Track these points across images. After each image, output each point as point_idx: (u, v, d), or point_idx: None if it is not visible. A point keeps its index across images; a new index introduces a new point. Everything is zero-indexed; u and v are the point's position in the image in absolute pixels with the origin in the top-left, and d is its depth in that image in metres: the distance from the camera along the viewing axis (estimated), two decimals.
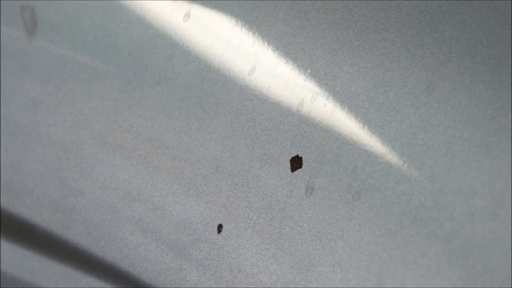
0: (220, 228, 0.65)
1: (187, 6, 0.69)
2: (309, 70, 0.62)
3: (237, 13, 0.66)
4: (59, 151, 0.76)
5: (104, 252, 0.74)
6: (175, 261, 0.68)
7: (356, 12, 0.61)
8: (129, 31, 0.72)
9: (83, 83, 0.74)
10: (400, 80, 0.58)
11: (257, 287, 0.62)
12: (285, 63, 0.63)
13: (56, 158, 0.77)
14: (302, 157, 0.61)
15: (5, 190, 0.81)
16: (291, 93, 0.62)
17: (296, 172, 0.61)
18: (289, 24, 0.64)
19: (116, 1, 0.73)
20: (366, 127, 0.58)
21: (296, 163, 0.61)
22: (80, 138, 0.75)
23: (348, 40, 0.61)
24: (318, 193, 0.60)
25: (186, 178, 0.67)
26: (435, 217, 0.55)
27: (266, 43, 0.64)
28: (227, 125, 0.65)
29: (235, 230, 0.64)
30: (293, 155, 0.62)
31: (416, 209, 0.55)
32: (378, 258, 0.56)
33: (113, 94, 0.72)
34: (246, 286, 0.63)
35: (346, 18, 0.62)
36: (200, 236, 0.66)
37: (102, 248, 0.74)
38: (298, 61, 0.63)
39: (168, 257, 0.69)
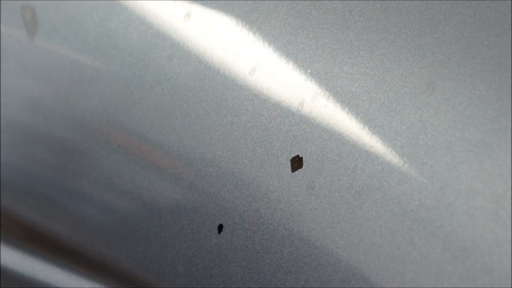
0: (220, 228, 0.65)
1: (187, 6, 0.69)
2: (309, 70, 0.62)
3: (237, 13, 0.66)
4: (59, 151, 0.76)
5: (105, 252, 0.74)
6: (176, 262, 0.68)
7: (356, 12, 0.62)
8: (129, 31, 0.72)
9: (83, 83, 0.74)
10: (400, 80, 0.58)
11: (259, 287, 0.62)
12: (285, 63, 0.63)
13: (56, 158, 0.77)
14: (302, 157, 0.61)
15: (5, 190, 0.81)
16: (291, 93, 0.62)
17: (297, 172, 0.61)
18: (289, 24, 0.64)
19: (116, 1, 0.74)
20: (366, 127, 0.58)
21: (296, 163, 0.61)
22: (80, 138, 0.75)
23: (348, 40, 0.61)
24: (319, 193, 0.60)
25: (187, 178, 0.68)
26: (435, 217, 0.55)
27: (266, 43, 0.64)
28: (227, 125, 0.65)
29: (236, 230, 0.64)
30: (293, 155, 0.62)
31: (416, 209, 0.55)
32: (378, 258, 0.56)
33: (113, 94, 0.72)
34: (247, 286, 0.63)
35: (346, 18, 0.62)
36: (200, 236, 0.66)
37: (103, 248, 0.74)
38: (299, 61, 0.63)
39: (169, 257, 0.69)
